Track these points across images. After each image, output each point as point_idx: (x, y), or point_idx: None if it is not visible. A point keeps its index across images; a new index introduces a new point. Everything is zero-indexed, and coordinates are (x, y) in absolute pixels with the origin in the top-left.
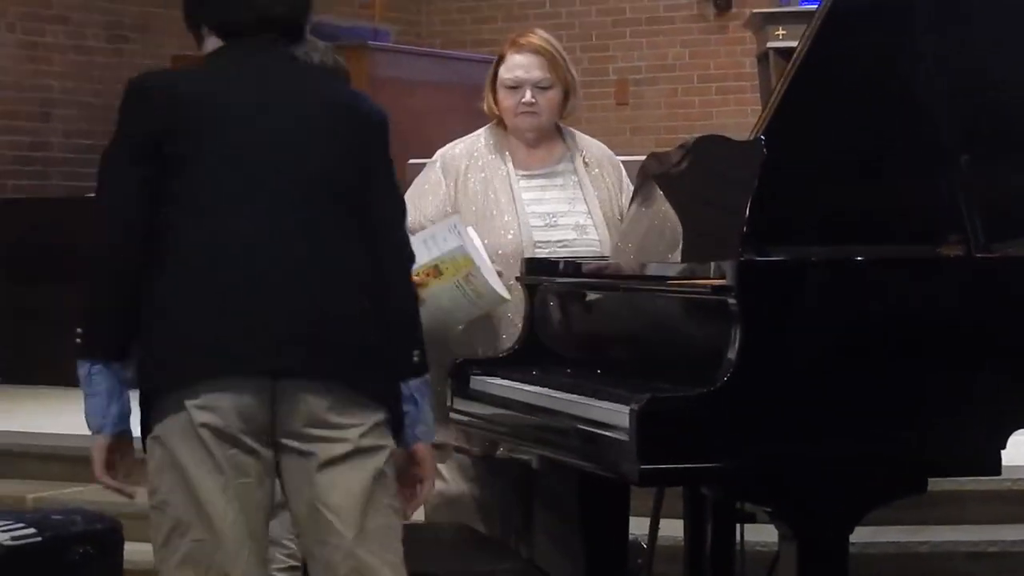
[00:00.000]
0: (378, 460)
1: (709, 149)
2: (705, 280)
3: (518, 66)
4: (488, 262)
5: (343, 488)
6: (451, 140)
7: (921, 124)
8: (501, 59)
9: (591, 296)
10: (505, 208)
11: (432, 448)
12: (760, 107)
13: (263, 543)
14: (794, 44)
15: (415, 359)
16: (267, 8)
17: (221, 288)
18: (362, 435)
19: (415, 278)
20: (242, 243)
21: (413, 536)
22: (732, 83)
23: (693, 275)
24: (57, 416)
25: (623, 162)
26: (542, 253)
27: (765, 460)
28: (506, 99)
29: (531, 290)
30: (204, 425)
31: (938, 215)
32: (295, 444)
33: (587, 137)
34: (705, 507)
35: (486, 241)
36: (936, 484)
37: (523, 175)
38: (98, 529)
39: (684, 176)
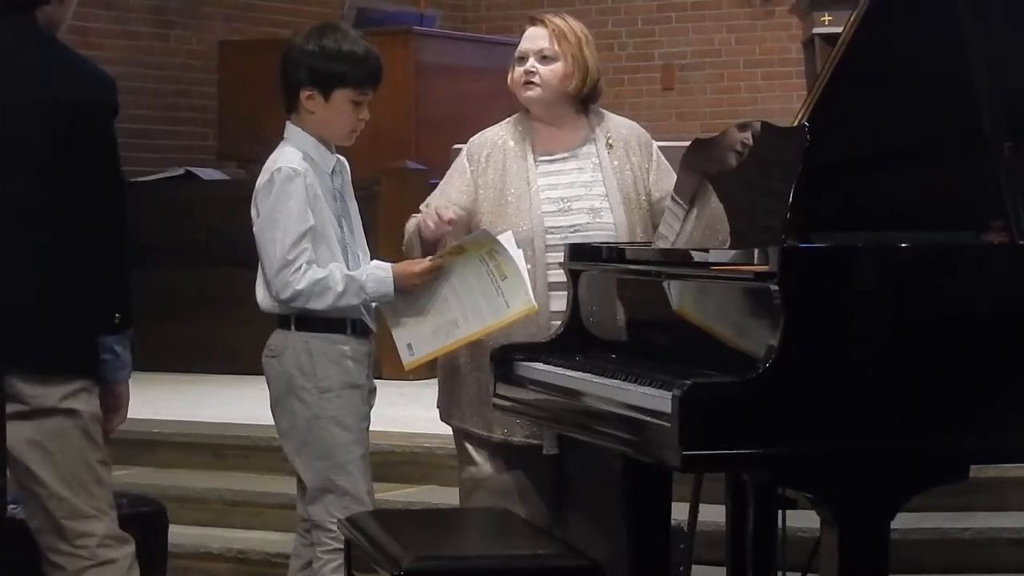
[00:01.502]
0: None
1: (753, 135)
2: (748, 266)
3: (526, 38)
4: (523, 265)
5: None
6: (492, 125)
7: (964, 111)
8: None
9: (634, 281)
10: (519, 194)
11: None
12: (805, 93)
13: None
14: (840, 30)
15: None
16: None
17: None
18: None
19: (435, 260)
20: None
21: (452, 521)
22: (778, 68)
23: (736, 261)
24: None
25: (667, 148)
26: (554, 239)
27: (806, 446)
28: (514, 72)
29: (574, 276)
30: None
31: (981, 202)
32: None
33: (616, 117)
34: (747, 493)
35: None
36: (979, 471)
37: (543, 159)
38: (143, 512)
39: (728, 162)
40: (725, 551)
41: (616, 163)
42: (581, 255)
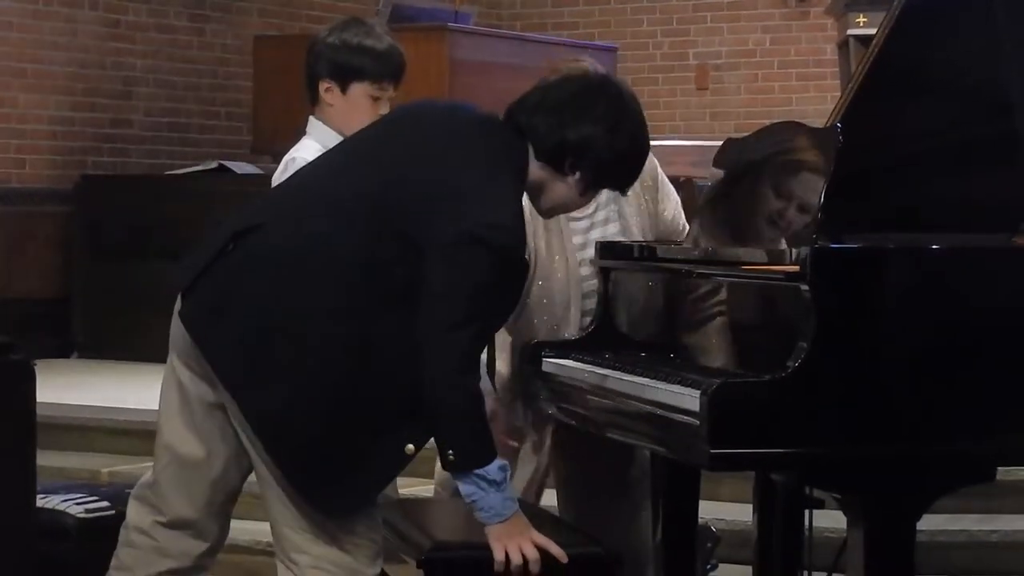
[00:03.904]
0: None
1: (786, 135)
2: (779, 266)
3: None
4: None
5: None
6: None
7: (997, 113)
8: None
9: (664, 280)
10: (560, 259)
11: None
12: (839, 94)
13: None
14: (874, 31)
15: None
16: None
17: None
18: None
19: None
20: None
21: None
22: (813, 69)
23: (768, 261)
24: (133, 391)
25: (700, 147)
26: (587, 287)
27: (834, 447)
28: None
29: (605, 274)
30: None
31: (1013, 205)
32: None
33: None
34: (774, 492)
35: (540, 283)
36: (1008, 474)
37: (573, 220)
38: None
39: (761, 163)
40: (752, 550)
41: (632, 206)
42: (612, 253)
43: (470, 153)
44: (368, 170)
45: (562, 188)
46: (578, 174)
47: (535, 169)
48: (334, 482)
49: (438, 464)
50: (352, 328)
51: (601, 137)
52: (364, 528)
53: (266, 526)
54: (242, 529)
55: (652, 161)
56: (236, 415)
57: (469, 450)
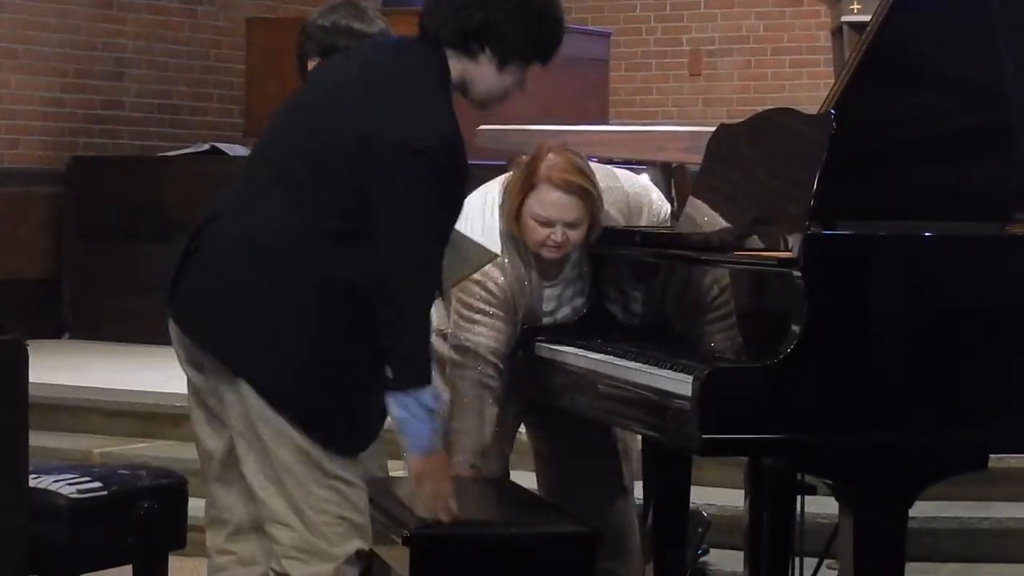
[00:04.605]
0: None
1: (779, 121)
2: (771, 253)
3: (552, 204)
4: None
5: None
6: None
7: (991, 101)
8: (532, 187)
9: (657, 266)
10: (528, 312)
11: None
12: (833, 81)
13: None
14: (868, 18)
15: None
16: None
17: None
18: None
19: None
20: None
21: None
22: (806, 56)
23: (760, 247)
24: (125, 372)
25: (694, 132)
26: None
27: (825, 433)
28: (534, 231)
29: (597, 260)
30: None
31: (1006, 194)
32: None
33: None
34: (766, 478)
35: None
36: (999, 461)
37: (547, 286)
38: (163, 484)
39: (753, 148)
40: (743, 536)
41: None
42: (604, 240)
43: (387, 78)
44: (302, 128)
45: (479, 71)
46: (488, 51)
47: (454, 65)
48: (349, 420)
49: None
50: (328, 272)
51: (496, 9)
52: (335, 506)
53: None
54: None
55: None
56: (234, 397)
57: (406, 368)
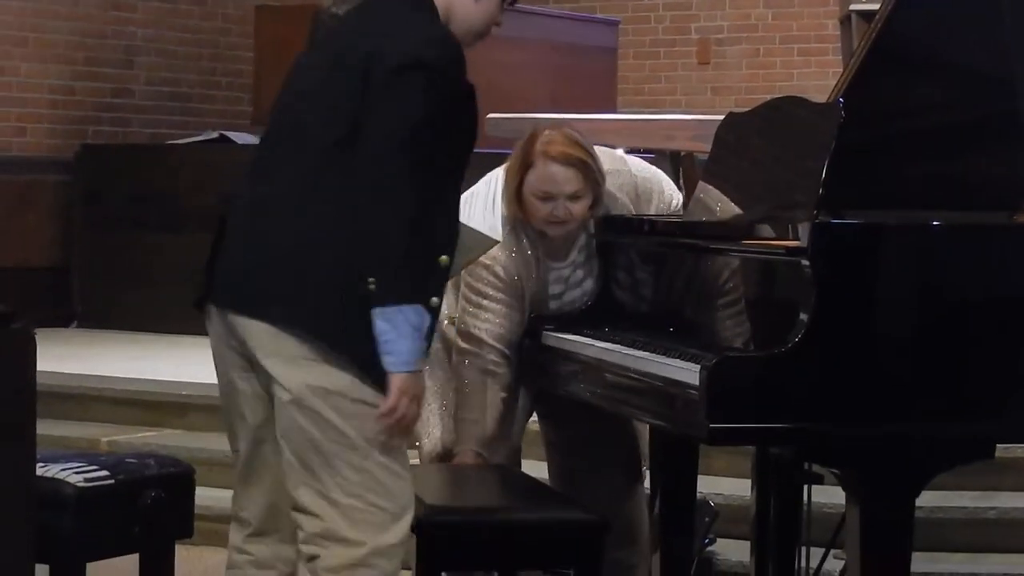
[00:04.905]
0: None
1: (787, 110)
2: (780, 241)
3: (551, 179)
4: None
5: None
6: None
7: (999, 90)
8: (530, 165)
9: (664, 255)
10: (535, 294)
11: None
12: (841, 70)
13: None
14: (876, 7)
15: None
16: None
17: None
18: None
19: None
20: None
21: (466, 477)
22: (814, 45)
23: (768, 236)
24: (133, 361)
25: (702, 121)
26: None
27: (832, 423)
28: (536, 208)
29: (604, 248)
30: None
31: (1014, 183)
32: None
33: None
34: (773, 468)
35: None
36: (1006, 451)
37: (554, 267)
38: (171, 473)
39: (761, 137)
40: (750, 525)
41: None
42: (612, 227)
43: (377, 9)
44: (308, 86)
45: (460, 3)
46: None
47: (439, 1)
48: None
49: (427, 442)
50: (347, 213)
51: None
52: (368, 492)
53: None
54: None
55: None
56: (284, 370)
57: (389, 282)
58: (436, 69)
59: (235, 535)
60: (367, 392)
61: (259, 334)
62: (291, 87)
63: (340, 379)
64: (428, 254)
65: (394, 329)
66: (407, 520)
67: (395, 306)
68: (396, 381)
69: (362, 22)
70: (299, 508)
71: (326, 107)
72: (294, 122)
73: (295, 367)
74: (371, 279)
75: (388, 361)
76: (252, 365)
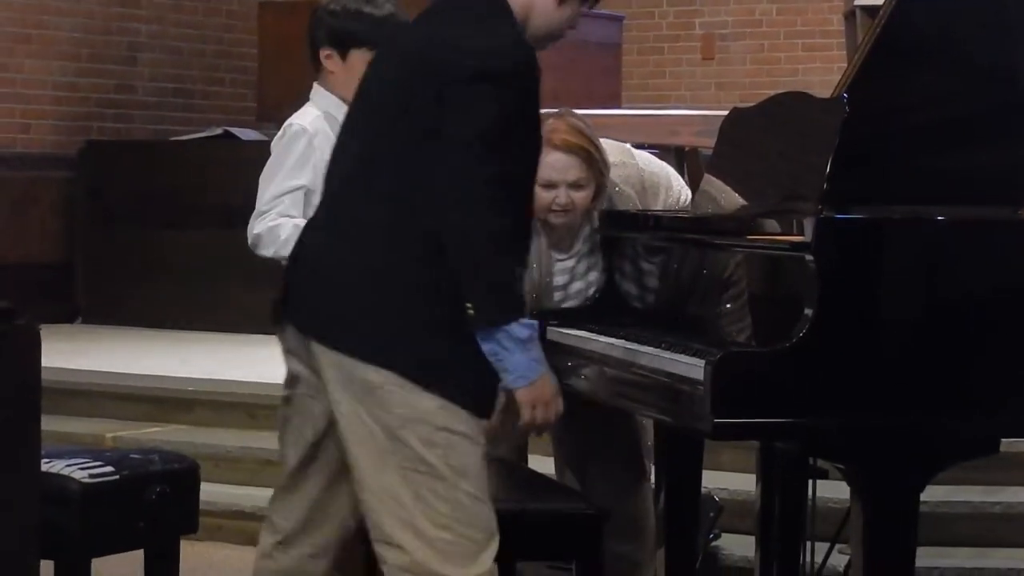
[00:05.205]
0: None
1: (791, 105)
2: (784, 236)
3: (553, 166)
4: None
5: None
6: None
7: (1004, 85)
8: None
9: (668, 250)
10: (539, 286)
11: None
12: (846, 65)
13: None
14: (881, 2)
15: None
16: None
17: None
18: None
19: None
20: None
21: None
22: (819, 40)
23: (772, 231)
24: (137, 357)
25: (706, 116)
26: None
27: (837, 418)
28: (539, 196)
29: (609, 243)
30: None
31: (1019, 178)
32: None
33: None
34: (778, 462)
35: None
36: (1011, 446)
37: (558, 258)
38: (175, 469)
39: (765, 132)
40: (755, 520)
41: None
42: (616, 222)
43: (449, 22)
44: (375, 105)
45: (542, 2)
46: None
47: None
48: (468, 372)
49: None
50: (416, 235)
51: None
52: (463, 525)
53: (267, 491)
54: (246, 495)
55: (633, 175)
56: (365, 396)
57: (486, 304)
58: (504, 79)
59: (265, 538)
60: (454, 419)
61: (338, 364)
62: (364, 100)
63: (423, 408)
64: (517, 268)
65: (503, 349)
66: (494, 547)
67: (499, 328)
68: (520, 396)
69: (433, 29)
70: (383, 539)
71: (401, 125)
72: (370, 140)
73: (374, 397)
74: (468, 305)
75: (507, 379)
76: (326, 389)
